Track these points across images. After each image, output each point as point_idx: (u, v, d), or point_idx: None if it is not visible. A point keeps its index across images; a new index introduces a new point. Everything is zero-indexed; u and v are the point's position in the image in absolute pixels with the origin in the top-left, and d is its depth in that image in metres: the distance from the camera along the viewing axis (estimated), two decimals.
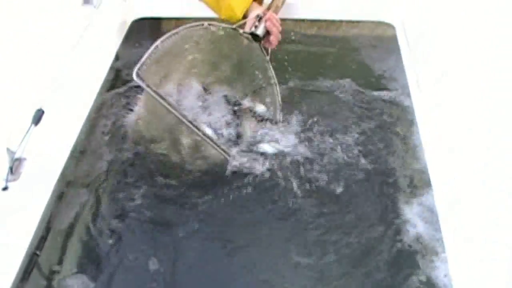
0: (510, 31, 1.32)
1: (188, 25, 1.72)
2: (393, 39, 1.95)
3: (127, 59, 1.90)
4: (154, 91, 1.58)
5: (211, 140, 1.64)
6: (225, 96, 1.84)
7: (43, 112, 1.50)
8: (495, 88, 1.35)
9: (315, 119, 1.76)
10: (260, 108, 1.81)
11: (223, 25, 1.79)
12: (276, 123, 1.76)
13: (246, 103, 1.83)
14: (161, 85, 1.68)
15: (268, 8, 1.85)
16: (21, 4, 1.78)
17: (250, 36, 1.81)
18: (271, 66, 1.80)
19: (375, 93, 1.85)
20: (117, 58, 1.88)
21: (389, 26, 1.99)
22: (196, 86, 1.81)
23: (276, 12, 1.89)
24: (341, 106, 1.81)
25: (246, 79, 1.87)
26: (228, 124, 1.78)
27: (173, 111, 1.59)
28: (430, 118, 1.63)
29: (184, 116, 1.60)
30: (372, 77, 1.91)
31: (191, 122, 1.61)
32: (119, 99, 1.82)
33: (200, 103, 1.80)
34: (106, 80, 1.80)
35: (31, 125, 1.47)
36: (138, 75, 1.56)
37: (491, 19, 1.44)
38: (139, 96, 1.79)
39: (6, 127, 1.49)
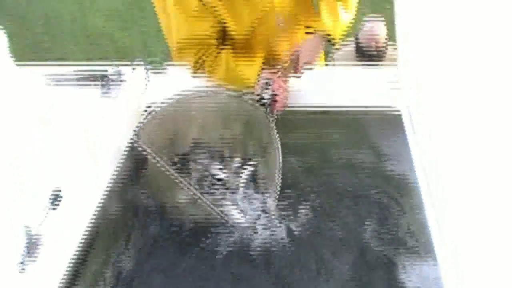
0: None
1: (193, 90, 1.93)
2: (399, 122, 2.03)
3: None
4: (150, 152, 1.79)
5: (216, 211, 1.76)
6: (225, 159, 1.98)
7: (60, 192, 1.64)
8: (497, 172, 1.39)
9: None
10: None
11: (228, 91, 1.96)
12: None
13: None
14: (166, 147, 1.86)
15: (277, 72, 2.00)
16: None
17: (256, 103, 1.93)
18: (275, 131, 1.89)
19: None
20: (132, 148, 1.98)
21: (396, 111, 2.07)
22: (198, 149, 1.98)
23: (285, 75, 2.02)
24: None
25: (249, 143, 1.99)
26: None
27: (171, 172, 1.76)
28: (436, 195, 1.66)
29: (177, 177, 1.75)
30: (379, 155, 2.00)
31: (190, 184, 1.76)
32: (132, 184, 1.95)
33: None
34: (121, 167, 1.93)
35: (48, 206, 1.60)
36: (137, 135, 1.80)
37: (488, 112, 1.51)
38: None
39: (24, 209, 1.62)
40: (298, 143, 2.11)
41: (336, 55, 4.28)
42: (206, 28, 2.00)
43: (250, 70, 2.01)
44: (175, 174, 1.77)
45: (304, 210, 1.87)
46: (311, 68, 2.12)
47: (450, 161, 1.61)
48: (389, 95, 2.09)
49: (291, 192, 1.92)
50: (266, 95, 1.95)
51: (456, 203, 1.53)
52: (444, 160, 1.65)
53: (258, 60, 2.04)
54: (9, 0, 7.67)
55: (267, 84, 1.98)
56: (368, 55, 3.92)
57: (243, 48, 2.12)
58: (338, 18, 2.07)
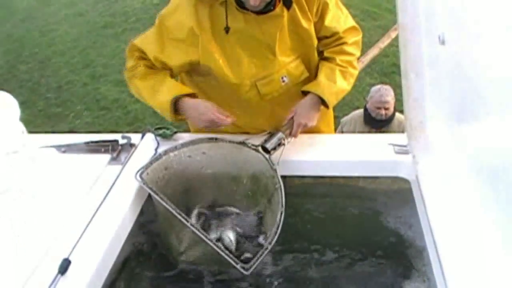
0: None
1: (197, 137, 2.01)
2: (408, 192, 2.03)
3: (152, 215, 2.03)
4: (155, 193, 1.83)
5: (220, 248, 1.74)
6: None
7: (69, 262, 1.63)
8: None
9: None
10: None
11: (231, 138, 2.03)
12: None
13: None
14: (170, 190, 1.91)
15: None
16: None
17: (259, 148, 2.00)
18: (278, 174, 1.94)
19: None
20: (142, 213, 2.01)
21: (404, 180, 2.07)
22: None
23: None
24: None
25: (257, 194, 2.03)
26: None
27: (176, 214, 1.76)
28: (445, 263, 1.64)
29: (187, 220, 1.77)
30: (388, 224, 1.99)
31: (193, 226, 1.76)
32: (142, 251, 1.94)
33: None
34: (130, 234, 1.92)
35: (57, 275, 1.59)
36: (141, 177, 1.88)
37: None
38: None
39: (33, 276, 1.61)
40: (303, 208, 2.11)
41: (344, 119, 4.34)
42: (154, 55, 2.10)
43: (163, 96, 2.08)
44: (181, 215, 1.79)
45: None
46: (307, 128, 2.17)
47: (458, 229, 1.61)
48: (396, 162, 2.10)
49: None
50: (271, 144, 2.03)
51: (466, 271, 1.52)
52: (452, 229, 1.65)
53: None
54: (22, 68, 7.85)
55: (271, 135, 2.06)
56: (376, 120, 3.97)
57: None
58: (335, 83, 2.16)
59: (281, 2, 2.01)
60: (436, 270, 1.69)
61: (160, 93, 2.09)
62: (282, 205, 1.85)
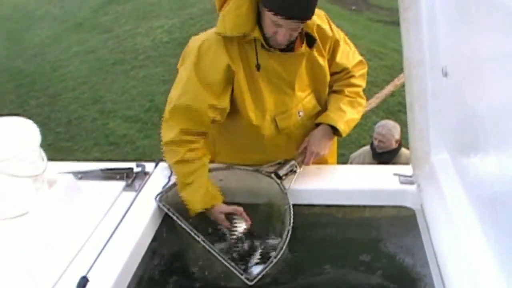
0: None
1: (213, 167, 2.14)
2: (413, 220, 2.09)
3: (164, 240, 2.11)
4: (172, 213, 2.00)
5: (226, 260, 1.83)
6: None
7: (87, 280, 1.69)
8: None
9: None
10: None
11: (246, 168, 2.17)
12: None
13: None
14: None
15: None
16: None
17: (272, 174, 2.12)
18: (289, 197, 2.06)
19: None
20: (155, 237, 2.08)
21: (409, 209, 2.14)
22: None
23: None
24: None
25: (266, 214, 2.14)
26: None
27: (192, 234, 1.90)
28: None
29: (203, 240, 1.90)
30: (393, 252, 2.05)
31: (203, 240, 1.90)
32: (156, 272, 2.00)
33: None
34: (144, 256, 1.99)
35: None
36: (160, 199, 2.08)
37: None
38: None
39: None
40: (310, 235, 2.16)
41: (353, 154, 4.42)
42: (209, 104, 2.05)
43: (196, 197, 2.08)
44: (193, 231, 1.92)
45: None
46: (319, 157, 2.26)
47: (462, 257, 1.65)
48: (402, 192, 2.17)
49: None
50: (283, 170, 2.15)
51: None
52: (456, 257, 1.69)
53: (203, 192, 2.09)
54: (33, 103, 7.96)
55: (284, 163, 2.19)
56: (382, 154, 4.06)
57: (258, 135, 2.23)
58: (345, 113, 2.25)
59: (305, 42, 2.07)
60: None
61: (192, 190, 2.09)
62: (290, 224, 1.95)
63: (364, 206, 2.24)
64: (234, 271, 1.79)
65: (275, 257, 1.84)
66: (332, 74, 2.31)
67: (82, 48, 10.05)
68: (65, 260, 1.82)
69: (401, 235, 2.13)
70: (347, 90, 2.30)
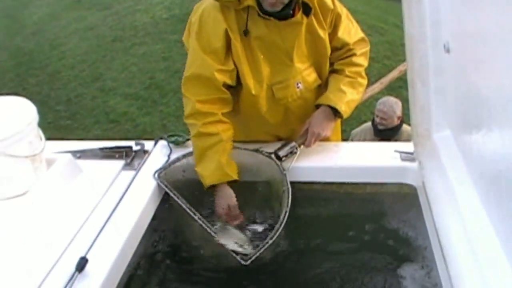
0: None
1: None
2: (415, 197, 2.08)
3: (164, 219, 2.10)
4: (170, 190, 1.98)
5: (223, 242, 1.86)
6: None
7: (87, 260, 1.69)
8: None
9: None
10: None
11: (246, 146, 2.15)
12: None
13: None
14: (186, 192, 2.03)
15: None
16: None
17: (272, 155, 2.10)
18: (288, 179, 2.05)
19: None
20: (155, 216, 2.07)
21: (411, 186, 2.13)
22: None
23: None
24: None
25: (264, 194, 2.14)
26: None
27: (190, 212, 1.90)
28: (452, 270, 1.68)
29: (200, 218, 1.90)
30: (395, 228, 2.05)
31: (200, 219, 1.89)
32: (156, 251, 2.00)
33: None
34: (144, 235, 1.98)
35: (75, 272, 1.65)
36: (158, 176, 2.05)
37: None
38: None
39: (52, 273, 1.68)
40: (312, 213, 2.16)
41: (354, 131, 4.41)
42: (216, 69, 2.07)
43: (207, 171, 2.07)
44: (190, 209, 1.91)
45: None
46: (321, 138, 2.23)
47: (463, 233, 1.64)
48: (403, 169, 2.16)
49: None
50: (283, 151, 2.12)
51: (471, 274, 1.53)
52: (457, 233, 1.68)
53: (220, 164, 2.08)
54: (32, 81, 7.93)
55: (285, 144, 2.16)
56: (383, 131, 4.04)
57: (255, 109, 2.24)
58: (345, 94, 2.22)
59: (301, 10, 2.07)
60: (442, 272, 1.73)
61: (205, 165, 2.08)
62: (287, 205, 1.94)
63: (365, 184, 2.23)
64: (230, 251, 1.80)
65: (271, 238, 1.84)
66: (333, 50, 2.28)
67: (81, 26, 9.99)
68: (64, 241, 1.81)
69: (403, 212, 2.12)
70: (348, 70, 2.27)
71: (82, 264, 1.66)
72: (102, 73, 7.89)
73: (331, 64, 2.34)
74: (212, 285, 1.93)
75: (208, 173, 2.05)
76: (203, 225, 1.86)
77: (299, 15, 2.07)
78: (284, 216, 1.91)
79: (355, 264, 1.96)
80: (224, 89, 2.11)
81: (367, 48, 2.36)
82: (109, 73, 7.85)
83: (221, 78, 2.08)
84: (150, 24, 9.32)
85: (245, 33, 2.06)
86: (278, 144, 2.21)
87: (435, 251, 1.82)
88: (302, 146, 2.21)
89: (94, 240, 1.78)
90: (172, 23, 8.82)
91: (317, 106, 2.27)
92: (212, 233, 1.86)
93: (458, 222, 1.68)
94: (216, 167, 2.05)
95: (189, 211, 1.89)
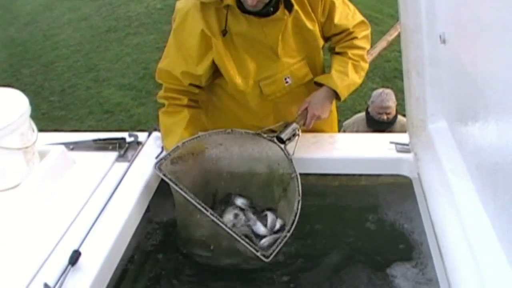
0: None
1: (212, 131, 2.04)
2: (410, 189, 2.07)
3: (158, 211, 2.09)
4: (171, 180, 1.85)
5: (234, 233, 1.76)
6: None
7: (80, 253, 1.67)
8: None
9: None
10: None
11: (247, 131, 2.06)
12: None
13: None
14: (187, 181, 1.91)
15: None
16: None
17: (274, 139, 2.03)
18: (293, 164, 1.98)
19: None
20: (148, 208, 2.06)
21: (406, 178, 2.12)
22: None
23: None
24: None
25: (265, 179, 2.09)
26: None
27: (192, 201, 1.79)
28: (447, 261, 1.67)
29: (204, 208, 1.78)
30: (390, 220, 2.05)
31: (212, 214, 1.77)
32: (150, 244, 2.00)
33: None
34: (138, 228, 1.97)
35: (68, 265, 1.63)
36: (159, 168, 1.90)
37: None
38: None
39: (45, 266, 1.67)
40: (306, 205, 2.14)
41: (346, 122, 4.39)
42: (182, 70, 2.12)
43: (171, 145, 2.05)
44: (200, 204, 1.79)
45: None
46: (320, 119, 2.21)
47: (459, 225, 1.64)
48: (398, 160, 2.15)
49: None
50: (285, 134, 2.06)
51: (466, 266, 1.53)
52: (453, 225, 1.68)
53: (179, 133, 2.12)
54: (25, 72, 7.88)
55: (286, 126, 2.10)
56: (378, 123, 4.02)
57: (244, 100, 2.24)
58: (348, 77, 2.20)
59: (283, 5, 2.05)
60: (438, 264, 1.73)
61: (170, 139, 2.12)
62: (299, 194, 1.88)
63: (360, 175, 2.22)
64: (250, 248, 1.72)
65: (288, 231, 1.78)
66: (332, 36, 2.28)
67: (75, 16, 9.91)
68: (56, 233, 1.80)
69: (398, 204, 2.11)
70: (350, 52, 2.25)
71: (75, 257, 1.65)
72: (96, 64, 7.83)
73: (333, 48, 2.33)
74: (207, 277, 1.91)
75: (171, 147, 2.05)
76: (216, 220, 1.77)
77: (280, 11, 2.04)
78: (298, 206, 1.85)
79: (350, 256, 1.95)
80: (192, 87, 2.17)
81: (368, 31, 2.34)
82: (103, 64, 7.79)
83: (186, 80, 2.14)
84: (144, 14, 9.26)
85: (223, 33, 2.06)
86: (279, 126, 2.15)
87: (431, 243, 1.82)
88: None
89: (87, 233, 1.77)
90: (166, 13, 8.72)
91: (317, 84, 2.25)
92: (226, 228, 1.77)
93: (453, 214, 1.68)
94: (179, 140, 2.05)
95: (199, 206, 1.79)
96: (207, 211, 1.77)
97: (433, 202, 1.84)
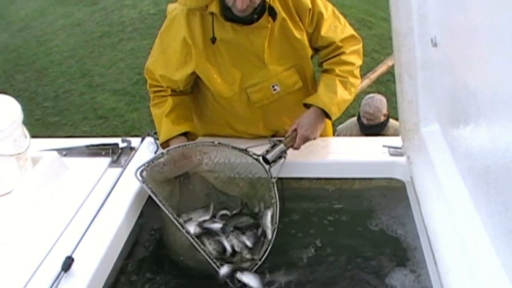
0: None
1: (199, 141, 2.06)
2: (403, 192, 2.08)
3: (152, 216, 2.08)
4: (150, 189, 1.89)
5: (198, 244, 1.83)
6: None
7: (73, 259, 1.67)
8: None
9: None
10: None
11: (234, 145, 2.06)
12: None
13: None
14: (168, 187, 1.99)
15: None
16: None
17: (260, 158, 2.02)
18: (275, 188, 1.97)
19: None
20: (142, 214, 2.06)
21: (399, 181, 2.12)
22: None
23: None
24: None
25: (246, 193, 2.10)
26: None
27: (166, 211, 1.85)
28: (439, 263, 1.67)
29: (176, 219, 1.86)
30: (383, 224, 2.05)
31: (180, 224, 1.85)
32: (143, 250, 1.98)
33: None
34: (131, 234, 1.97)
35: (61, 272, 1.63)
36: (141, 175, 1.93)
37: None
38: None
39: (38, 273, 1.66)
40: (300, 209, 2.15)
41: (340, 127, 4.40)
42: (161, 73, 2.20)
43: (165, 128, 2.18)
44: (176, 219, 1.85)
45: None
46: (310, 140, 2.17)
47: (452, 228, 1.64)
48: (391, 163, 2.15)
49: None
50: (272, 156, 2.03)
51: (459, 270, 1.53)
52: (446, 228, 1.68)
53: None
54: (19, 77, 7.87)
55: (274, 146, 2.06)
56: (370, 127, 4.04)
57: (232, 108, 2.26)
58: (336, 94, 2.15)
59: (267, 13, 2.04)
60: (431, 267, 1.73)
61: (160, 130, 2.21)
62: (275, 222, 1.90)
63: (354, 179, 2.23)
64: (212, 263, 1.82)
65: (259, 260, 1.84)
66: (319, 49, 2.25)
67: (68, 21, 9.91)
68: (49, 240, 1.79)
69: (391, 207, 2.12)
70: (338, 69, 2.20)
71: (68, 263, 1.65)
72: (89, 69, 7.84)
73: (321, 64, 2.30)
74: (199, 282, 1.91)
75: (161, 140, 2.18)
76: (191, 240, 1.83)
77: (263, 19, 2.04)
78: (273, 234, 1.88)
79: (343, 260, 1.94)
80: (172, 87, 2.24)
81: (359, 46, 2.28)
82: (96, 69, 7.80)
83: (164, 83, 2.22)
84: (137, 20, 9.26)
85: (213, 40, 2.07)
86: (266, 144, 2.11)
87: (424, 247, 1.82)
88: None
89: (80, 239, 1.77)
90: (160, 18, 8.65)
91: (306, 105, 2.21)
92: (191, 239, 1.84)
93: (446, 217, 1.68)
94: (164, 126, 2.17)
95: (175, 222, 1.85)
96: (177, 221, 1.85)
97: (426, 204, 1.84)
